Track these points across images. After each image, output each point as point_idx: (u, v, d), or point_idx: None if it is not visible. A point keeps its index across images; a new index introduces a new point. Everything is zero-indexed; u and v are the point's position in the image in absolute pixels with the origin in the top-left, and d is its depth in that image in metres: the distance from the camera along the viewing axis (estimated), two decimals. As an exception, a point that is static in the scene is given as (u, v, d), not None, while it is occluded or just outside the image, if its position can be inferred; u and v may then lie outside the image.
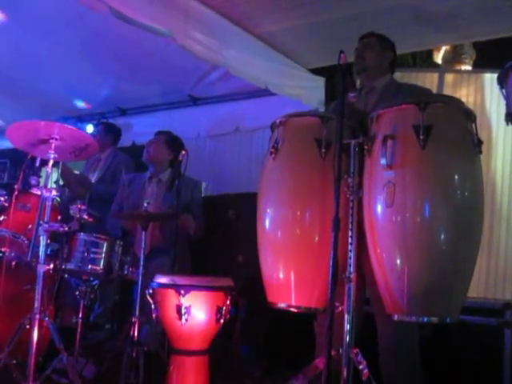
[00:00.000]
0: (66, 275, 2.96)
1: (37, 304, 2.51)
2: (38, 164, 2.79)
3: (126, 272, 2.92)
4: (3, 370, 2.42)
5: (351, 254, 1.97)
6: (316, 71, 4.12)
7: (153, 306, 2.24)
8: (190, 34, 3.11)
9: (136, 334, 2.77)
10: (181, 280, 2.16)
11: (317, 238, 2.04)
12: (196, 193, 3.62)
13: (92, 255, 2.78)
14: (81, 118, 5.27)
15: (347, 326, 1.96)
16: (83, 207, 2.66)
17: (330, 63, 3.93)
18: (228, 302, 2.19)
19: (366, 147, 1.98)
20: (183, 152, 2.88)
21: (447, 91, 3.84)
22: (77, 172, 4.19)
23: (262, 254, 2.17)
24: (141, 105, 4.97)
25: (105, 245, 2.83)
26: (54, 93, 5.09)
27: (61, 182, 3.83)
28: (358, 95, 2.26)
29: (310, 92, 3.98)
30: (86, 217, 2.68)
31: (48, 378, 2.53)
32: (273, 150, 2.10)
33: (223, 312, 2.18)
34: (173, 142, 3.70)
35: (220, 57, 3.26)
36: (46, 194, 2.57)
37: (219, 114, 4.59)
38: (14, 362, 2.47)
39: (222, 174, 4.47)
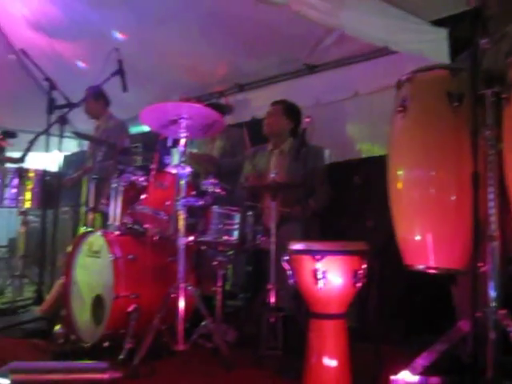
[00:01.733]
0: (204, 247, 3.13)
1: (180, 274, 2.70)
2: (170, 144, 2.95)
3: (258, 241, 3.01)
4: (155, 335, 2.63)
5: (493, 212, 1.87)
6: (437, 23, 3.87)
7: (289, 273, 2.29)
8: (305, -1, 3.09)
9: (273, 300, 2.89)
10: (316, 245, 2.19)
11: (454, 197, 1.96)
12: (319, 160, 3.62)
13: (226, 227, 2.91)
14: (201, 97, 5.45)
15: (492, 286, 1.87)
16: (216, 181, 2.79)
17: (452, 13, 3.68)
18: (364, 266, 2.19)
19: (504, 96, 1.84)
20: (307, 119, 2.87)
21: None
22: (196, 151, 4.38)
23: (396, 216, 2.13)
24: (258, 79, 5.03)
25: (237, 216, 2.94)
26: (174, 77, 5.34)
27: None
28: (490, 42, 2.10)
29: (433, 46, 3.75)
30: (218, 190, 2.80)
31: (195, 343, 2.71)
32: (401, 109, 2.04)
33: (359, 276, 2.17)
34: (290, 111, 3.71)
35: (336, 19, 3.20)
36: (181, 172, 2.72)
37: (336, 79, 4.52)
38: (164, 327, 2.66)
39: (342, 141, 4.42)
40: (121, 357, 2.63)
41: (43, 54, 5.48)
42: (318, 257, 2.14)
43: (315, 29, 4.02)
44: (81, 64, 5.70)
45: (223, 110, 4.56)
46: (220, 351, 2.68)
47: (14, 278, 4.37)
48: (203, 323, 2.72)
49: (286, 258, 2.30)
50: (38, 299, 3.93)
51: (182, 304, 2.66)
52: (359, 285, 2.21)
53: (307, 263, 2.18)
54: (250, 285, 3.78)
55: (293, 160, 3.37)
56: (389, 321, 2.94)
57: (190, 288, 2.73)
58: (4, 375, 2.21)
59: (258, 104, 4.98)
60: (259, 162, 3.72)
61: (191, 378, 2.56)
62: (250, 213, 3.00)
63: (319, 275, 2.14)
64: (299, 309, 2.80)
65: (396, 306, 3.11)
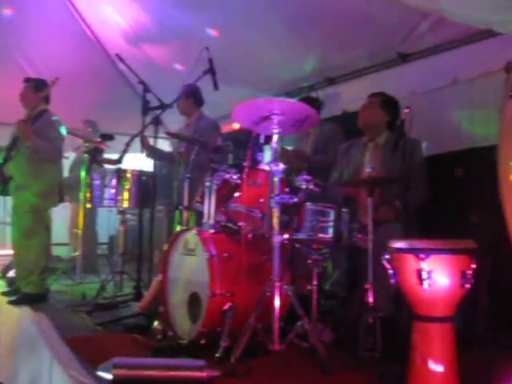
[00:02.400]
0: (298, 244, 3.07)
1: (275, 272, 2.66)
2: (262, 141, 2.92)
3: (354, 239, 2.91)
4: (251, 334, 2.60)
5: None
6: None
7: (391, 272, 2.17)
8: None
9: (371, 299, 2.77)
10: (419, 244, 2.06)
11: None
12: (417, 153, 3.43)
13: (321, 224, 2.83)
14: (290, 94, 5.41)
15: None
16: (309, 177, 2.71)
17: None
18: (473, 266, 2.02)
19: None
20: (406, 110, 2.72)
21: None
22: (290, 148, 4.32)
23: (509, 211, 1.95)
24: (348, 71, 4.89)
25: (332, 213, 2.85)
26: (263, 73, 5.33)
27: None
28: None
29: (542, 25, 3.45)
30: (312, 187, 2.73)
31: (290, 342, 2.66)
32: (513, 94, 1.86)
33: (468, 276, 2.01)
34: (388, 103, 3.56)
35: (434, 3, 2.99)
36: (274, 168, 2.67)
37: (432, 67, 4.27)
38: (260, 326, 2.63)
39: (441, 131, 4.18)
40: (217, 355, 2.63)
41: (135, 58, 5.69)
42: (422, 256, 2.01)
43: (408, 15, 3.83)
44: (176, 66, 5.85)
45: (317, 103, 4.49)
46: (316, 352, 2.61)
47: (114, 274, 4.54)
48: (299, 323, 2.66)
49: (387, 256, 2.19)
50: (137, 295, 4.07)
51: (277, 303, 2.62)
52: (468, 286, 2.05)
53: (411, 263, 2.05)
54: (346, 283, 3.68)
55: (389, 153, 3.22)
56: (500, 325, 2.72)
57: (285, 287, 2.68)
58: (106, 370, 2.28)
59: (349, 97, 4.84)
60: (353, 157, 3.60)
61: (287, 378, 2.52)
62: (345, 209, 2.90)
63: (424, 275, 2.01)
64: (400, 310, 2.66)
65: (508, 309, 2.88)
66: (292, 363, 2.66)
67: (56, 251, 6.87)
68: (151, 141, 4.31)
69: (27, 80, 4.37)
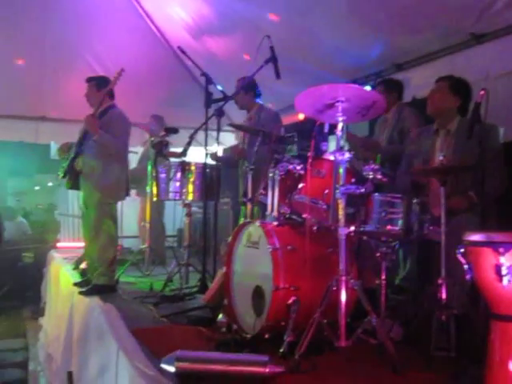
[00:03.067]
0: (365, 237, 2.95)
1: (342, 266, 2.56)
2: (326, 130, 2.82)
3: (426, 231, 2.75)
4: (316, 329, 2.52)
5: None
6: None
7: (466, 267, 2.02)
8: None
9: (444, 296, 2.62)
10: (498, 237, 1.89)
11: None
12: (493, 139, 3.20)
13: (389, 215, 2.70)
14: (356, 81, 5.24)
15: None
16: (376, 167, 2.59)
17: None
18: (561, 261, 1.84)
19: None
20: (482, 92, 2.51)
21: None
22: (361, 136, 4.18)
23: None
24: (417, 56, 4.67)
25: (402, 204, 2.71)
26: (326, 61, 5.20)
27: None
28: None
29: None
30: (380, 177, 2.60)
31: (357, 339, 2.55)
32: None
33: (555, 272, 1.84)
34: (458, 86, 3.34)
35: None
36: (340, 158, 2.57)
37: (509, 47, 3.99)
38: (325, 321, 2.54)
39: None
40: (281, 350, 2.57)
41: (197, 52, 5.71)
42: (501, 250, 1.85)
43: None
44: (238, 57, 5.82)
45: (398, 86, 4.32)
46: (385, 349, 2.49)
47: (180, 267, 4.59)
48: (366, 318, 2.55)
49: (462, 250, 2.04)
50: (202, 287, 4.08)
51: (343, 297, 2.52)
52: (554, 282, 1.87)
53: (488, 257, 1.90)
54: (417, 278, 3.52)
55: (462, 140, 3.02)
56: None
57: (351, 281, 2.58)
58: (170, 363, 2.27)
59: (419, 83, 4.62)
60: (423, 145, 3.42)
61: (353, 376, 2.41)
62: (415, 200, 2.75)
63: (504, 271, 1.85)
64: (475, 307, 2.49)
65: None
66: (359, 360, 2.54)
67: (126, 243, 7.09)
68: (214, 134, 4.30)
69: (89, 79, 4.47)
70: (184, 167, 4.42)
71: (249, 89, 4.63)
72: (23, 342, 6.77)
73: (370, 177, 2.65)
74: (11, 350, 6.53)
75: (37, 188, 15.63)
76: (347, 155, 2.57)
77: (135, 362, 2.45)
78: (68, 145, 4.56)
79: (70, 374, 2.80)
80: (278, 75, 3.67)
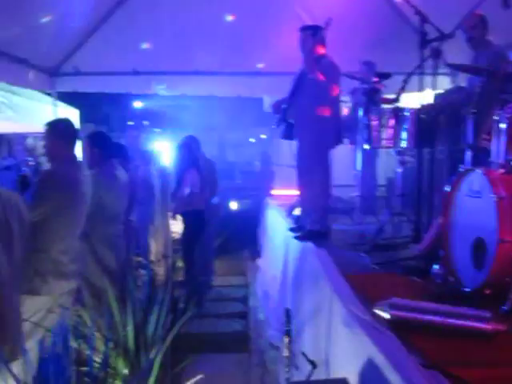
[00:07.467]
0: None
1: None
2: None
3: None
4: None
5: None
6: None
7: None
8: None
9: None
10: None
11: None
12: None
13: None
14: None
15: None
16: None
17: None
18: None
19: None
20: None
21: None
22: None
23: None
24: None
25: None
26: None
27: None
28: None
29: None
30: None
31: None
32: None
33: None
34: None
35: None
36: None
37: None
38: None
39: None
40: (504, 308, 2.37)
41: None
42: None
43: None
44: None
45: None
46: None
47: (392, 216, 4.49)
48: None
49: None
50: (416, 237, 3.95)
51: None
52: None
53: None
54: None
55: None
56: None
57: None
58: (384, 309, 2.26)
59: None
60: None
61: None
62: None
63: None
64: None
65: None
66: None
67: (338, 192, 7.18)
68: (428, 78, 4.01)
69: (303, 28, 4.50)
70: (397, 114, 4.25)
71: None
72: (244, 280, 7.45)
73: None
74: (234, 286, 7.25)
75: (251, 140, 16.60)
76: None
77: (349, 305, 2.49)
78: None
79: (287, 311, 2.98)
80: (506, 4, 3.24)
